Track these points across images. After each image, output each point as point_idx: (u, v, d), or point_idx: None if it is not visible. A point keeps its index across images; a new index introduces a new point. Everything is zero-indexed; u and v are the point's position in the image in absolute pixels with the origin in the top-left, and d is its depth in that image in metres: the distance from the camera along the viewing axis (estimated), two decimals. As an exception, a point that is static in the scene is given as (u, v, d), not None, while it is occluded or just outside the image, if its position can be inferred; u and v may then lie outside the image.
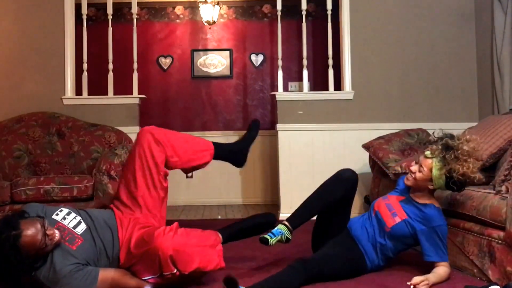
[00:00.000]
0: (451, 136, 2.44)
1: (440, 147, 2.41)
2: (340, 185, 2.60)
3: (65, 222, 2.34)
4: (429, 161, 2.43)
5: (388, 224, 2.52)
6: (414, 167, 2.49)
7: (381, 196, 2.74)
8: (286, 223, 2.54)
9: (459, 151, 2.36)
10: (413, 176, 2.49)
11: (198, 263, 2.26)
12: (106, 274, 2.29)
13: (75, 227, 2.35)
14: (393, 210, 2.55)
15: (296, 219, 2.57)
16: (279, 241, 2.47)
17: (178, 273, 2.22)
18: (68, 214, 2.39)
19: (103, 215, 2.48)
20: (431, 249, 2.45)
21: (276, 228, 2.51)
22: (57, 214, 2.36)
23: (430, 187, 2.47)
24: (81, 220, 2.39)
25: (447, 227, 2.50)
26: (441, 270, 2.42)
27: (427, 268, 2.67)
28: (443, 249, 2.45)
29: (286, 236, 2.49)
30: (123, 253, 2.37)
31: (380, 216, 2.56)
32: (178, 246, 2.23)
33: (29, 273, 2.20)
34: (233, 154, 2.75)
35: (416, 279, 2.31)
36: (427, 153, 2.45)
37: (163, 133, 2.57)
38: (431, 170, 2.42)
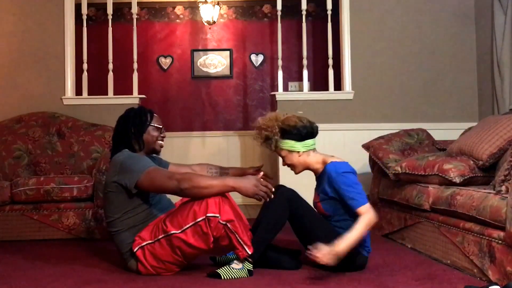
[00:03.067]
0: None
1: (263, 141, 2.68)
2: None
3: None
4: (275, 149, 2.67)
5: (321, 211, 2.67)
6: (283, 162, 2.73)
7: None
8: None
9: (263, 130, 2.64)
10: (290, 165, 2.71)
11: (234, 218, 2.45)
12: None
13: None
14: (315, 202, 2.74)
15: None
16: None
17: (216, 220, 2.40)
18: None
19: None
20: (347, 202, 2.53)
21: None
22: None
23: (299, 154, 2.66)
24: None
25: (345, 173, 2.56)
26: (360, 222, 2.45)
27: (426, 268, 2.67)
28: (355, 194, 2.50)
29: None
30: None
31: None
32: (226, 198, 2.49)
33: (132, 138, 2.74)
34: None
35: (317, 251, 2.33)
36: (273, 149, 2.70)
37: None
38: (282, 150, 2.67)
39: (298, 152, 2.65)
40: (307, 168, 2.72)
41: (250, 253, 2.47)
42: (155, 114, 2.84)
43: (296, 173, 2.74)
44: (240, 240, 2.47)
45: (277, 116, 2.67)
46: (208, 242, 2.47)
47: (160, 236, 2.49)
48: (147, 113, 2.80)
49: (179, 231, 2.45)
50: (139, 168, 2.54)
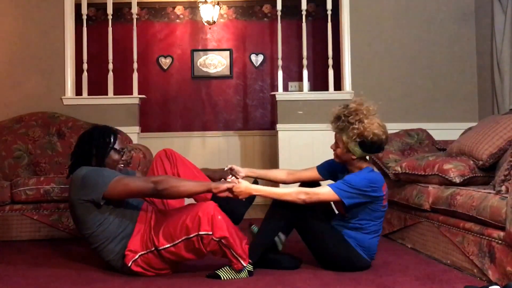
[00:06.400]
0: (344, 106, 2.57)
1: (338, 113, 2.56)
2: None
3: None
4: (337, 135, 2.59)
5: (340, 210, 2.66)
6: (333, 145, 2.64)
7: None
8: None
9: (349, 116, 2.51)
10: (335, 153, 2.64)
11: (228, 234, 2.40)
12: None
13: None
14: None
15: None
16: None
17: (209, 237, 2.37)
18: None
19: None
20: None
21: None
22: None
23: (353, 157, 2.58)
24: None
25: (362, 179, 2.52)
26: (294, 190, 2.53)
27: (426, 268, 2.67)
28: (340, 185, 2.51)
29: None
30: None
31: (336, 210, 2.73)
32: (218, 213, 2.44)
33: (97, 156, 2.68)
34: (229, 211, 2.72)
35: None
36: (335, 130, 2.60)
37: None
38: (342, 142, 2.56)
39: (354, 155, 2.56)
40: (346, 163, 2.66)
41: (245, 265, 2.47)
42: (119, 135, 2.78)
43: (337, 161, 2.68)
44: (234, 254, 2.45)
45: (376, 122, 2.51)
46: (201, 255, 2.48)
47: (152, 249, 2.48)
48: (111, 135, 2.73)
49: (170, 244, 2.44)
50: (104, 179, 2.51)
